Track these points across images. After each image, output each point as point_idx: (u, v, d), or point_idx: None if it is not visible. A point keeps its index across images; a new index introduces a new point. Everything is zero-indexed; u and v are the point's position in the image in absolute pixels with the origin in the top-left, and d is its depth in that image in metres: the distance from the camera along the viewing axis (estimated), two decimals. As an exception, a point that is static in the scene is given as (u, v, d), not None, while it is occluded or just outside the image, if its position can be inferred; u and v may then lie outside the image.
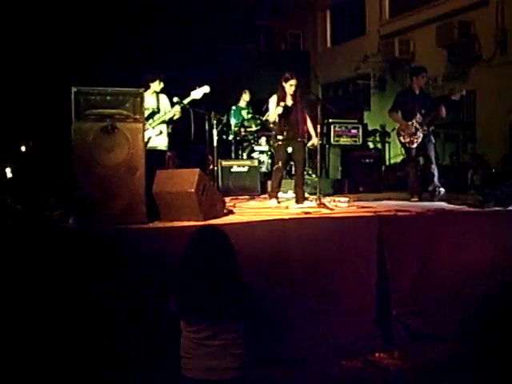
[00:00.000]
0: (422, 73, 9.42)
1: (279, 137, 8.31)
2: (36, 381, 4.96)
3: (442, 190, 8.97)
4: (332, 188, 11.20)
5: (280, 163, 8.37)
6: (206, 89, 8.11)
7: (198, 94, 8.09)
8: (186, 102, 8.07)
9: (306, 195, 8.82)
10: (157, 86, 8.29)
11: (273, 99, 8.41)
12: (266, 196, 8.81)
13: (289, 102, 8.25)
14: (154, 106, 8.18)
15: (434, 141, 9.26)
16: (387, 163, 14.11)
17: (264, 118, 11.03)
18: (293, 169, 9.40)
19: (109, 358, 5.13)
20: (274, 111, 8.31)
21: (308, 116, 8.58)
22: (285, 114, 8.24)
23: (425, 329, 6.34)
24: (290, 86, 8.24)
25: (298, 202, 8.32)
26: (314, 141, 8.59)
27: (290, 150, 8.29)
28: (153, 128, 7.99)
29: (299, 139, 8.39)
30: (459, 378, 5.50)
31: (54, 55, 14.54)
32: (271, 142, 8.87)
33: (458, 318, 6.36)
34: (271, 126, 8.68)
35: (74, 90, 6.05)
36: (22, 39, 14.35)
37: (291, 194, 9.00)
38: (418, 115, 9.08)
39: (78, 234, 5.68)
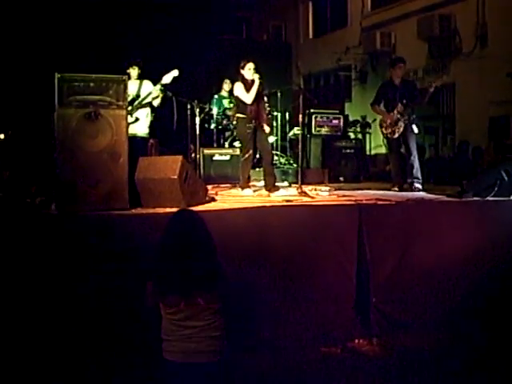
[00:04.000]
0: (400, 63, 9.50)
1: (248, 125, 8.32)
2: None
3: (419, 186, 9.02)
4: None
5: (250, 152, 8.39)
6: (174, 73, 8.01)
7: (167, 78, 8.05)
8: (157, 87, 8.04)
9: (286, 184, 8.88)
10: (133, 72, 8.26)
11: (238, 85, 8.43)
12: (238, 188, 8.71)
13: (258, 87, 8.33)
14: (134, 93, 8.14)
15: (416, 131, 9.32)
16: (368, 154, 14.22)
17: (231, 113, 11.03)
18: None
19: (90, 343, 5.16)
20: (247, 94, 8.30)
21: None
22: (254, 102, 8.34)
23: (403, 317, 6.40)
24: (248, 71, 8.35)
25: (269, 190, 8.33)
26: (267, 129, 8.68)
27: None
28: (131, 115, 7.95)
29: (262, 127, 8.49)
30: (437, 366, 5.57)
31: (34, 42, 14.42)
32: (239, 130, 8.77)
33: (437, 306, 6.44)
34: (238, 115, 8.59)
35: (57, 76, 6.05)
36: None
37: (261, 182, 8.93)
38: (399, 105, 9.16)
39: (60, 221, 5.70)
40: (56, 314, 5.13)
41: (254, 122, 8.30)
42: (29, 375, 4.95)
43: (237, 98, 8.51)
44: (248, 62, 8.39)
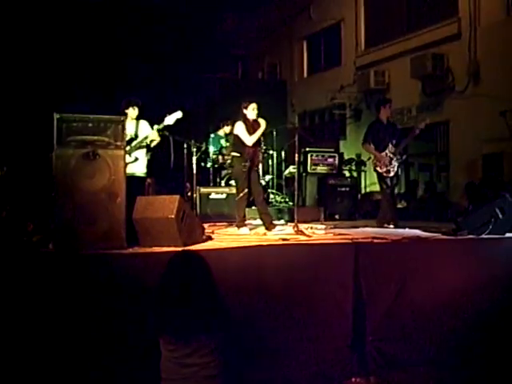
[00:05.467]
0: (388, 104, 9.69)
1: (244, 164, 8.34)
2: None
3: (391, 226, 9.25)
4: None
5: (245, 191, 8.40)
6: (178, 114, 8.14)
7: (171, 119, 8.13)
8: (160, 127, 8.12)
9: (283, 222, 8.92)
10: (132, 111, 8.36)
11: (239, 125, 8.42)
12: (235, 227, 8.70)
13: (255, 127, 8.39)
14: (132, 133, 8.21)
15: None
16: (363, 191, 14.30)
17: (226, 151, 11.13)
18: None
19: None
20: (249, 136, 8.32)
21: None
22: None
23: (400, 354, 6.39)
24: (252, 111, 8.37)
25: (268, 228, 8.38)
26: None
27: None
28: (129, 155, 8.03)
29: (256, 168, 8.61)
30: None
31: (32, 82, 14.55)
32: (235, 169, 8.81)
33: (433, 344, 6.43)
34: (234, 153, 8.65)
35: (56, 116, 6.11)
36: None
37: (259, 221, 8.95)
38: (390, 145, 9.31)
39: (58, 259, 5.72)
40: (52, 354, 5.13)
41: (249, 162, 8.34)
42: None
43: (236, 137, 8.50)
44: (251, 102, 8.40)
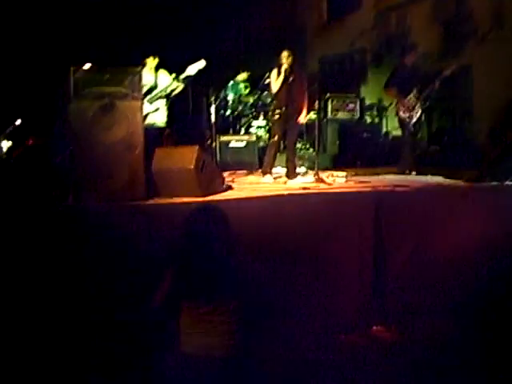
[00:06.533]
0: (412, 51, 9.53)
1: (277, 111, 8.39)
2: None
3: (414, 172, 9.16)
4: (330, 162, 11.23)
5: (276, 137, 8.46)
6: (201, 64, 8.10)
7: (193, 69, 8.10)
8: (181, 77, 8.09)
9: (304, 169, 8.89)
10: (151, 61, 8.31)
11: (273, 73, 8.52)
12: (260, 173, 8.78)
13: (285, 74, 8.33)
14: (152, 83, 8.19)
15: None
16: (385, 137, 14.14)
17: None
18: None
19: (106, 335, 5.18)
20: (275, 83, 8.43)
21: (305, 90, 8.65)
22: (283, 89, 8.35)
23: (420, 303, 6.36)
24: (283, 58, 8.36)
25: (289, 176, 8.38)
26: (301, 118, 8.67)
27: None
28: (150, 104, 8.01)
29: (294, 114, 8.50)
30: (456, 353, 5.57)
31: (50, 32, 14.43)
32: (269, 116, 8.90)
33: (455, 293, 6.40)
34: (270, 100, 8.73)
35: (72, 68, 6.07)
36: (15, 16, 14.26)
37: (281, 168, 8.98)
38: (415, 90, 9.16)
39: (78, 212, 5.73)
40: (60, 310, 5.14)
41: (282, 109, 8.35)
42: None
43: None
44: (283, 50, 8.45)
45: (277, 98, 8.50)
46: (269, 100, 9.22)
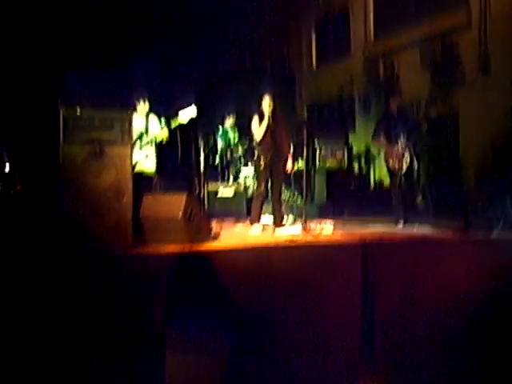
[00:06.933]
0: (396, 94, 9.59)
1: (262, 160, 8.30)
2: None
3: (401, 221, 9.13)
4: (317, 212, 11.23)
5: (262, 186, 8.36)
6: (192, 110, 8.10)
7: (184, 116, 8.10)
8: (172, 126, 8.10)
9: (292, 218, 8.87)
10: (142, 106, 8.32)
11: (255, 120, 8.41)
12: (248, 222, 8.71)
13: (269, 121, 8.28)
14: (143, 128, 8.20)
15: (416, 164, 9.36)
16: (372, 187, 14.19)
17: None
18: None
19: None
20: (257, 131, 8.31)
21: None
22: (267, 136, 8.29)
23: (409, 355, 6.35)
24: (264, 104, 8.29)
25: (277, 225, 8.34)
26: (289, 166, 8.65)
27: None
28: (140, 149, 8.01)
29: (280, 162, 8.45)
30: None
31: (40, 70, 14.50)
32: (255, 163, 8.77)
33: (441, 345, 6.39)
34: (256, 147, 8.62)
35: (63, 112, 6.07)
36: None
37: (269, 216, 8.90)
38: (402, 138, 9.17)
39: (63, 253, 5.68)
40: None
41: (266, 157, 8.26)
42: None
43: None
44: (264, 94, 8.35)
45: (260, 146, 8.37)
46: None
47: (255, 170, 9.05)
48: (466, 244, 7.09)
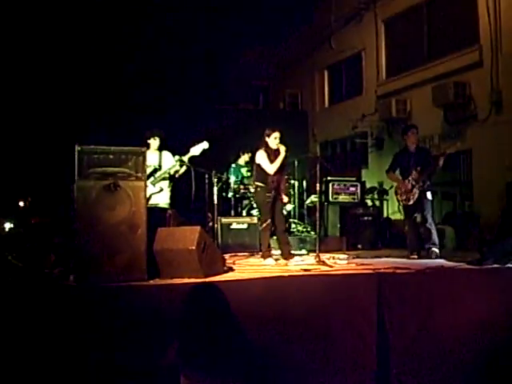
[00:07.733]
0: (412, 129, 9.67)
1: (268, 194, 8.33)
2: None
3: (436, 250, 9.05)
4: (330, 245, 11.20)
5: (269, 220, 8.38)
6: (204, 145, 8.22)
7: (197, 150, 8.21)
8: (185, 158, 8.20)
9: (305, 252, 8.88)
10: (154, 143, 8.43)
11: (261, 153, 8.44)
12: (260, 257, 8.71)
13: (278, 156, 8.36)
14: (156, 164, 8.30)
15: (430, 198, 9.35)
16: (385, 220, 14.17)
17: (247, 181, 11.24)
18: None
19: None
20: (270, 164, 8.33)
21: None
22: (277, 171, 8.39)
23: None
24: (274, 139, 8.37)
25: (286, 259, 8.34)
26: (285, 199, 8.77)
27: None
28: (153, 185, 8.09)
29: (280, 195, 8.55)
30: None
31: (54, 113, 14.71)
32: (258, 198, 8.72)
33: (458, 376, 6.32)
34: (258, 183, 8.55)
35: (77, 148, 6.16)
36: (21, 95, 14.57)
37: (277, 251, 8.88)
38: (414, 172, 9.23)
39: (79, 292, 5.71)
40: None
41: (273, 191, 8.32)
42: None
43: (258, 166, 8.49)
44: (274, 130, 8.40)
45: (268, 180, 8.39)
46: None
47: (259, 205, 9.01)
48: (480, 273, 7.06)
